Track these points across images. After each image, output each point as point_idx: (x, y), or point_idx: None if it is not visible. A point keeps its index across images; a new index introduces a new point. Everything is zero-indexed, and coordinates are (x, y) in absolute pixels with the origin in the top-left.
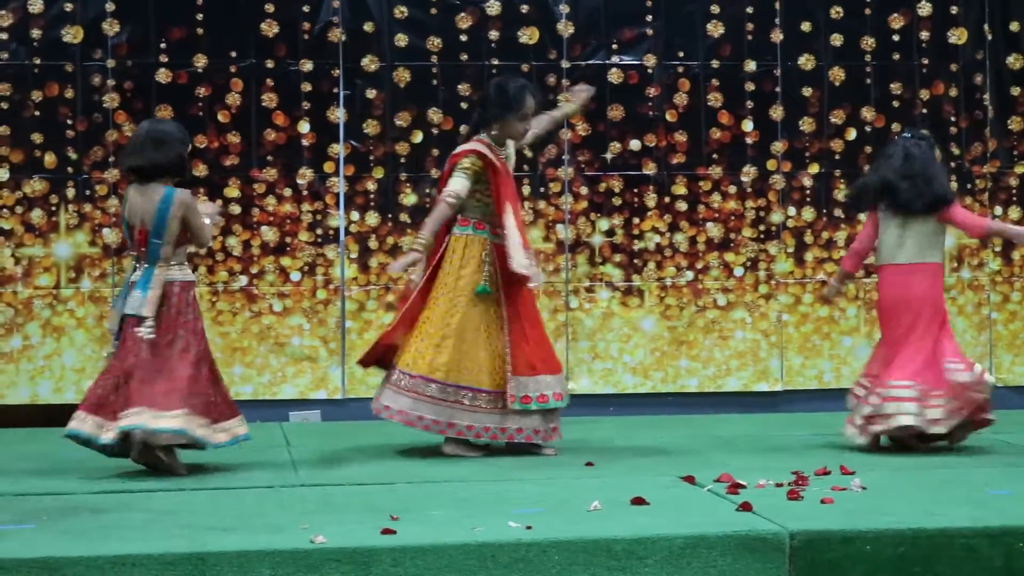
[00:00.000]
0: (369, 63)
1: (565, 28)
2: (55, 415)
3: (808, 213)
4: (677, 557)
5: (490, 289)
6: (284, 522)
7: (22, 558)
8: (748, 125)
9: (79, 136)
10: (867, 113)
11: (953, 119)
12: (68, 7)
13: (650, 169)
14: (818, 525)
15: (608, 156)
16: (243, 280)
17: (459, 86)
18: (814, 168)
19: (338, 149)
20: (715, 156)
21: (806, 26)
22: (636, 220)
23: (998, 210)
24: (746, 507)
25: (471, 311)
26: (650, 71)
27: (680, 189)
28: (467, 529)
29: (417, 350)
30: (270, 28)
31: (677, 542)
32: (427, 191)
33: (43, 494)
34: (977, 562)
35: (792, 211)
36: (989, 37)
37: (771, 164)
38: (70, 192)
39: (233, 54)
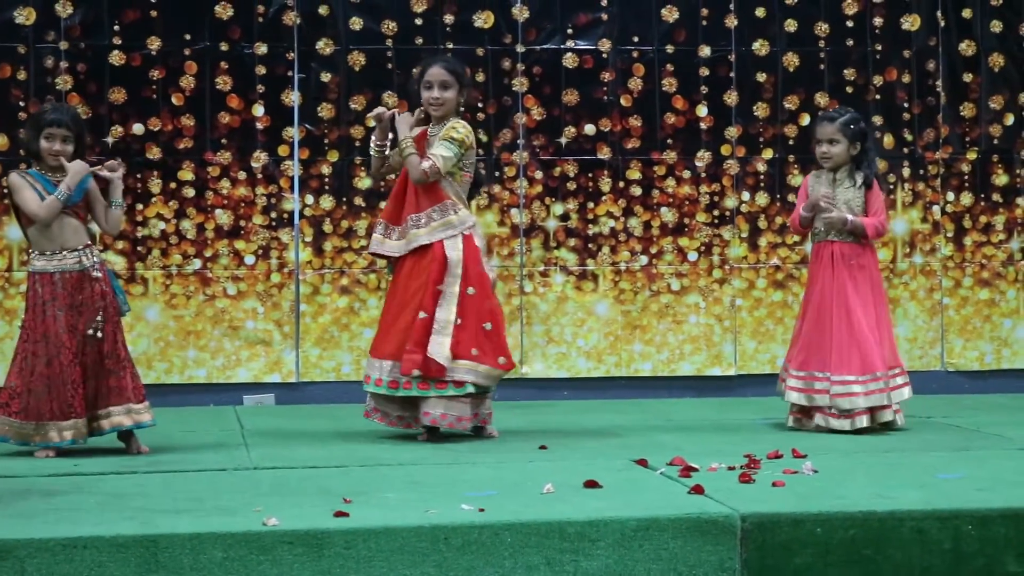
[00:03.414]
0: (324, 46)
1: (520, 12)
2: None
3: (762, 198)
4: (629, 540)
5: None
6: (237, 505)
7: None
8: (702, 110)
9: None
10: (821, 99)
11: (906, 105)
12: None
13: (605, 154)
14: (769, 508)
15: (563, 140)
16: (197, 263)
17: (414, 70)
18: (768, 153)
19: (292, 132)
20: (669, 141)
21: (760, 11)
22: (591, 204)
23: (950, 196)
24: (698, 490)
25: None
26: (605, 56)
27: (634, 174)
28: (420, 512)
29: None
30: (224, 11)
31: (629, 525)
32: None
33: None
34: (926, 544)
35: (746, 196)
36: (942, 24)
37: (725, 149)
38: None
39: (187, 36)
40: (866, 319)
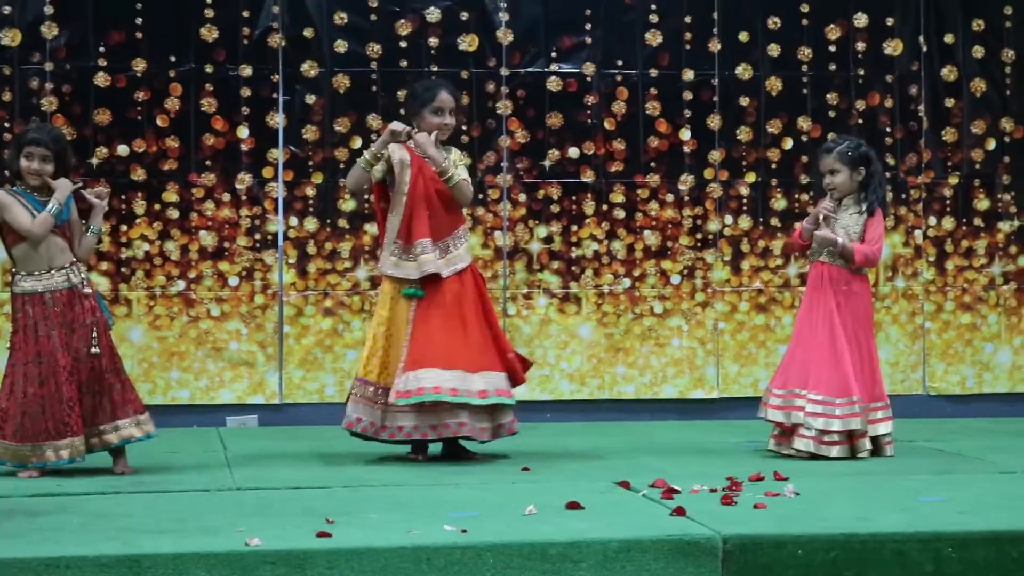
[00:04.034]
0: (309, 69)
1: (505, 36)
2: None
3: (745, 222)
4: (611, 561)
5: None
6: (219, 525)
7: None
8: (686, 134)
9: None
10: (803, 123)
11: (888, 130)
12: (6, 10)
13: (588, 177)
14: (751, 530)
15: (546, 163)
16: (181, 284)
17: (399, 92)
18: (751, 177)
19: (277, 154)
20: (653, 164)
21: (744, 36)
22: (574, 227)
23: (932, 220)
24: (680, 512)
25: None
26: (589, 79)
27: (618, 197)
28: (403, 532)
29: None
30: (209, 33)
31: (612, 546)
32: (366, 198)
33: None
34: (907, 567)
35: (729, 220)
36: (924, 49)
37: (708, 173)
38: None
39: (172, 58)
40: (849, 347)
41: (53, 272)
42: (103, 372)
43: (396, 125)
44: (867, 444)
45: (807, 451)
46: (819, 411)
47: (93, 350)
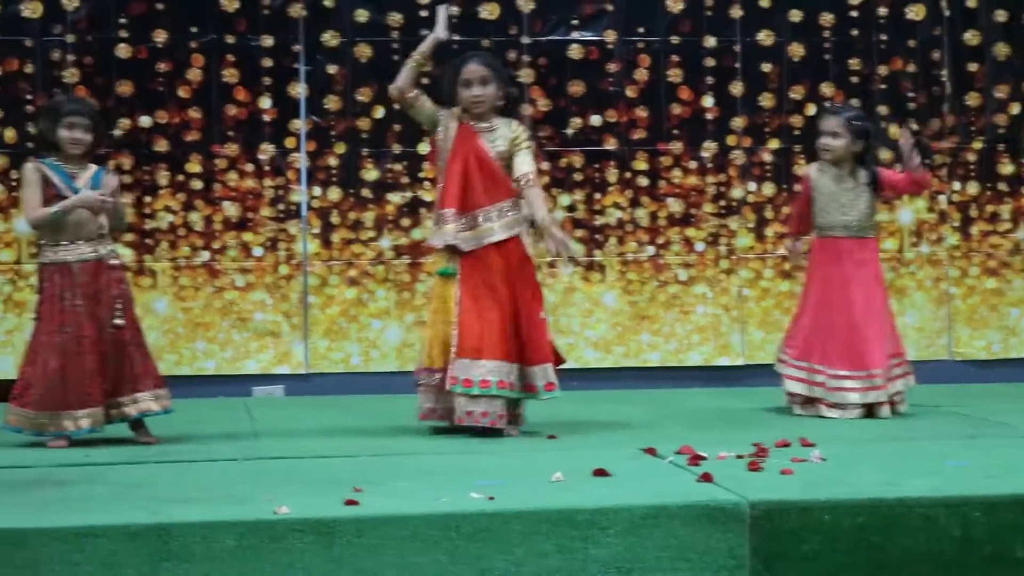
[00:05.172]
0: (330, 38)
1: (525, 4)
2: None
3: (768, 188)
4: (638, 527)
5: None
6: (248, 494)
7: None
8: (708, 101)
9: (39, 112)
10: (826, 89)
11: (911, 95)
12: None
13: (611, 144)
14: (778, 495)
15: (569, 132)
16: (205, 255)
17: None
18: (774, 143)
19: (299, 124)
20: (675, 131)
21: (765, 2)
22: (597, 195)
23: (956, 185)
24: (707, 478)
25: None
26: (610, 47)
27: (641, 164)
28: (430, 500)
29: None
30: (230, 3)
31: (638, 512)
32: (388, 166)
33: (6, 467)
34: (935, 531)
35: (752, 186)
36: (947, 13)
37: (731, 139)
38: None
39: (193, 29)
40: (866, 313)
41: (80, 243)
42: (125, 344)
43: (441, 24)
44: (886, 412)
45: (830, 417)
46: (837, 385)
47: (117, 321)
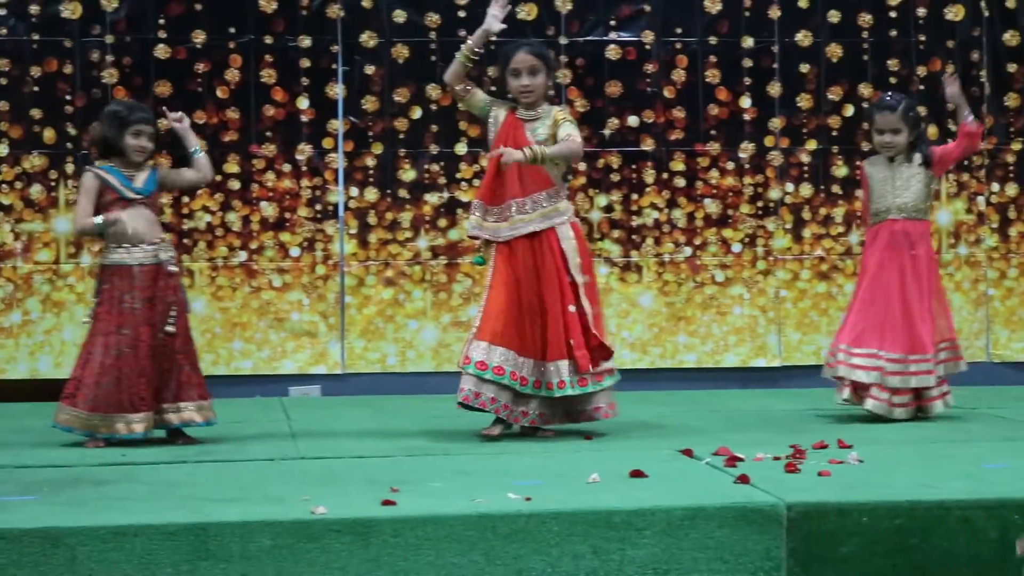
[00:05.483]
0: (368, 39)
1: (563, 4)
2: (55, 390)
3: (806, 189)
4: (675, 528)
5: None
6: (285, 494)
7: (24, 528)
8: (746, 101)
9: (78, 112)
10: (864, 90)
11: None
12: None
13: (648, 145)
14: (815, 497)
15: (606, 132)
16: (243, 255)
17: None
18: (812, 144)
19: (337, 125)
20: (713, 132)
21: (803, 2)
22: (634, 196)
23: (995, 186)
24: (744, 480)
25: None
26: (648, 47)
27: (678, 165)
28: (467, 500)
29: None
30: (269, 4)
31: (675, 514)
32: (425, 167)
33: (45, 466)
34: (973, 534)
35: (790, 187)
36: (986, 14)
37: (769, 140)
38: (69, 168)
39: (232, 30)
40: (919, 299)
41: (143, 246)
42: (174, 352)
43: (493, 16)
44: (940, 408)
45: (875, 413)
46: (894, 369)
47: (168, 328)
